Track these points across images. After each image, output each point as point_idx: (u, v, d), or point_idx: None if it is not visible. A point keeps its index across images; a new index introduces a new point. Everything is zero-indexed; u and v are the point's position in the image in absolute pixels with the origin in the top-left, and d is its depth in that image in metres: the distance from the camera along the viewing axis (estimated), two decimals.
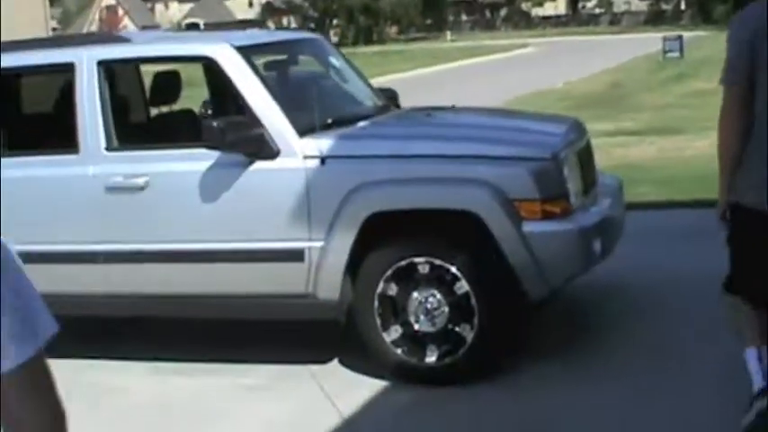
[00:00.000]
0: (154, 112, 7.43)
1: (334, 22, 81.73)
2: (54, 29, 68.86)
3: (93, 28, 75.46)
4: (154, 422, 5.62)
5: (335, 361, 6.21)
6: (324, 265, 5.73)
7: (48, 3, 66.05)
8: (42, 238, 6.29)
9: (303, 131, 5.79)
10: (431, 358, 5.63)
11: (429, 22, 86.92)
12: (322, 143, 5.73)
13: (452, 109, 7.03)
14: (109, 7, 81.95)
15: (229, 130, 5.67)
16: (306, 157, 5.73)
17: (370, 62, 48.62)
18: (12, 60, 6.57)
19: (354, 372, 6.01)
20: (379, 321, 5.71)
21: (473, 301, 5.50)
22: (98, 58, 6.26)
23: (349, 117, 6.34)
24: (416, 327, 5.66)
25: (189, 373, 6.28)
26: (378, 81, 30.95)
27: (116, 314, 6.46)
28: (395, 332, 5.70)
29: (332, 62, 7.28)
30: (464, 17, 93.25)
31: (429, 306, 5.62)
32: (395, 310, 5.71)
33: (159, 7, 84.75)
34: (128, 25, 78.37)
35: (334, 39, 79.88)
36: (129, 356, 6.56)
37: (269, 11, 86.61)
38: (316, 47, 7.50)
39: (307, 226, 5.74)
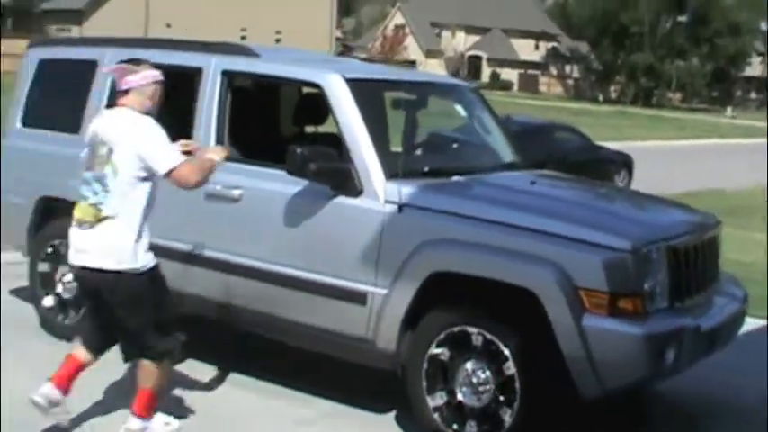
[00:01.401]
0: (292, 130, 7.41)
1: (617, 78, 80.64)
2: (338, 39, 71.31)
3: (378, 43, 77.49)
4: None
5: (394, 412, 6.01)
6: (384, 313, 5.55)
7: (335, 14, 68.84)
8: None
9: (392, 175, 5.61)
10: None
11: (715, 94, 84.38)
12: (404, 190, 5.54)
13: (574, 179, 6.64)
14: (398, 26, 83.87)
15: (313, 158, 5.57)
16: (386, 202, 5.57)
17: (639, 124, 47.85)
18: (148, 57, 6.75)
19: (402, 428, 5.82)
20: (425, 384, 5.47)
21: (517, 384, 5.16)
22: (223, 68, 6.33)
23: (452, 169, 6.08)
24: (460, 398, 5.38)
25: (251, 389, 6.31)
26: (635, 145, 30.34)
27: (201, 314, 6.45)
28: (439, 398, 5.44)
29: (469, 111, 7.06)
30: (753, 95, 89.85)
31: (476, 380, 5.33)
32: (444, 375, 5.44)
33: (446, 34, 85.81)
34: (408, 46, 79.91)
35: (613, 95, 79.07)
36: (201, 357, 6.60)
37: (553, 56, 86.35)
38: (456, 93, 7.29)
39: (374, 271, 5.57)
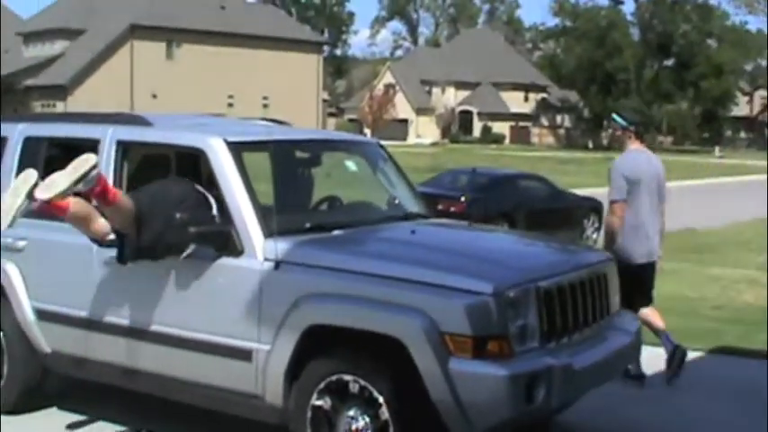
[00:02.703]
0: None
1: (606, 124, 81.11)
2: (325, 100, 71.93)
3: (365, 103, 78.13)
4: None
5: None
6: (268, 368, 5.70)
7: (321, 77, 69.39)
8: (50, 297, 6.70)
9: (271, 233, 5.79)
10: None
11: (705, 136, 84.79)
12: (281, 247, 5.70)
13: (459, 226, 6.82)
14: (387, 85, 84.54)
15: (192, 222, 5.76)
16: (265, 260, 5.74)
17: None
18: (50, 130, 7.12)
19: None
20: None
21: (391, 430, 5.30)
22: (117, 138, 6.55)
23: (336, 223, 6.27)
24: None
25: None
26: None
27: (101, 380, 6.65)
28: None
29: (370, 166, 7.25)
30: (742, 134, 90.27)
31: (356, 427, 5.46)
32: (329, 424, 5.57)
33: (436, 91, 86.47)
34: (397, 105, 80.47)
35: (605, 141, 79.46)
36: (115, 419, 6.77)
37: (543, 107, 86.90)
38: (355, 149, 7.52)
39: (256, 328, 5.73)
